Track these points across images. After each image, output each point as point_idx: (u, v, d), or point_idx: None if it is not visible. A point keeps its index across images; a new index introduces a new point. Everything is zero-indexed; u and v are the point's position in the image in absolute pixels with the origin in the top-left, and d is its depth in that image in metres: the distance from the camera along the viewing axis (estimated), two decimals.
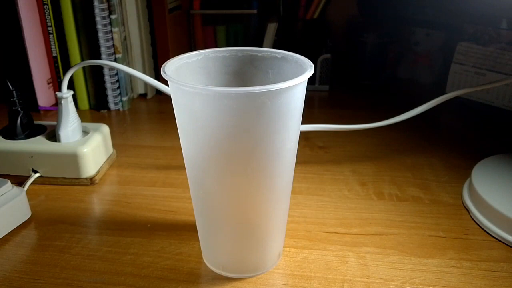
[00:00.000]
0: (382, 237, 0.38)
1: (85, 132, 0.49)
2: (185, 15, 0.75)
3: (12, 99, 0.46)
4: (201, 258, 0.35)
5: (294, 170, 0.32)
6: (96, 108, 0.68)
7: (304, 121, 0.32)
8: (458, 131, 0.60)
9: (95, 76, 0.66)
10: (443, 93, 0.47)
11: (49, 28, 0.63)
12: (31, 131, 0.48)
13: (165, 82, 0.32)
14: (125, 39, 0.67)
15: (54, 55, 0.65)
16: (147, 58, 0.71)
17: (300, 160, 0.50)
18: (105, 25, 0.62)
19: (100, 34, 0.62)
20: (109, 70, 0.64)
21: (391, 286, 0.32)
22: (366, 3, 0.78)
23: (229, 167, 0.29)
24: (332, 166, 0.50)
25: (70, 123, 0.46)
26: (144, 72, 0.69)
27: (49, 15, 0.62)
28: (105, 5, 0.61)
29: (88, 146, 0.46)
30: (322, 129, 0.47)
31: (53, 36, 0.63)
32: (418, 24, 0.76)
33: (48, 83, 0.67)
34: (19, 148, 0.46)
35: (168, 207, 0.42)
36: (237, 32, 0.77)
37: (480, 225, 0.39)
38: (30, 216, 0.41)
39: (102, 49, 0.63)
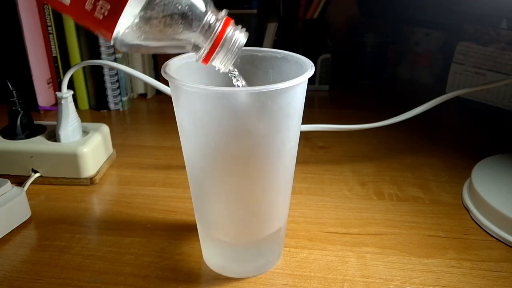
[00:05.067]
0: (382, 237, 0.38)
1: (85, 132, 0.49)
2: None
3: (12, 99, 0.46)
4: (201, 258, 0.35)
5: (294, 170, 0.32)
6: (96, 108, 0.68)
7: (304, 121, 0.32)
8: (458, 131, 0.60)
9: (95, 76, 0.66)
10: (443, 93, 0.47)
11: (49, 28, 0.63)
12: (31, 131, 0.48)
13: (165, 82, 0.32)
14: None
15: (54, 55, 0.65)
16: (147, 58, 0.71)
17: (300, 160, 0.50)
18: None
19: None
20: (109, 70, 0.64)
21: (391, 286, 0.32)
22: (366, 3, 0.78)
23: (229, 167, 0.29)
24: (332, 166, 0.50)
25: (70, 123, 0.46)
26: (144, 72, 0.68)
27: (49, 15, 0.62)
28: None
29: (88, 146, 0.46)
30: (322, 129, 0.47)
31: (53, 36, 0.63)
32: (418, 24, 0.76)
33: (48, 83, 0.67)
34: (19, 148, 0.46)
35: (168, 207, 0.42)
36: None
37: (480, 225, 0.39)
38: (30, 216, 0.41)
39: (102, 49, 0.63)
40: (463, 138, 0.57)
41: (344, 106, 0.68)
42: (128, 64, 0.68)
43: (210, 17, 0.26)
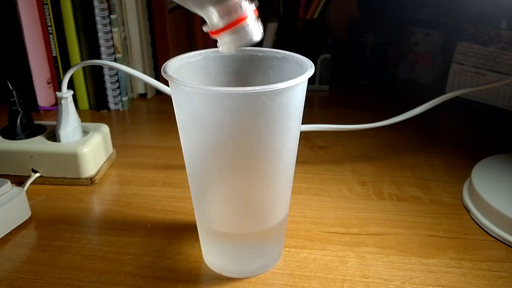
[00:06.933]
0: (382, 237, 0.38)
1: (85, 132, 0.49)
2: (185, 15, 0.75)
3: (12, 99, 0.46)
4: (201, 258, 0.35)
5: (294, 170, 0.32)
6: (96, 108, 0.68)
7: (304, 121, 0.32)
8: (458, 131, 0.60)
9: (95, 76, 0.66)
10: (443, 93, 0.47)
11: (49, 28, 0.63)
12: (31, 131, 0.48)
13: (165, 82, 0.32)
14: (125, 39, 0.67)
15: (54, 55, 0.65)
16: (147, 58, 0.71)
17: (300, 160, 0.50)
18: (105, 25, 0.62)
19: (100, 34, 0.62)
20: (109, 70, 0.64)
21: (391, 286, 0.32)
22: (366, 3, 0.78)
23: (229, 167, 0.29)
24: (332, 166, 0.50)
25: (70, 123, 0.46)
26: (144, 72, 0.68)
27: (49, 15, 0.62)
28: (105, 5, 0.61)
29: (88, 146, 0.46)
30: (322, 129, 0.47)
31: (53, 36, 0.63)
32: (418, 24, 0.76)
33: (48, 83, 0.67)
34: (19, 148, 0.46)
35: (168, 207, 0.42)
36: None
37: (480, 225, 0.39)
38: (30, 216, 0.41)
39: (102, 49, 0.63)
40: (463, 138, 0.57)
41: (344, 106, 0.68)
42: (128, 64, 0.68)
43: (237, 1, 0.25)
